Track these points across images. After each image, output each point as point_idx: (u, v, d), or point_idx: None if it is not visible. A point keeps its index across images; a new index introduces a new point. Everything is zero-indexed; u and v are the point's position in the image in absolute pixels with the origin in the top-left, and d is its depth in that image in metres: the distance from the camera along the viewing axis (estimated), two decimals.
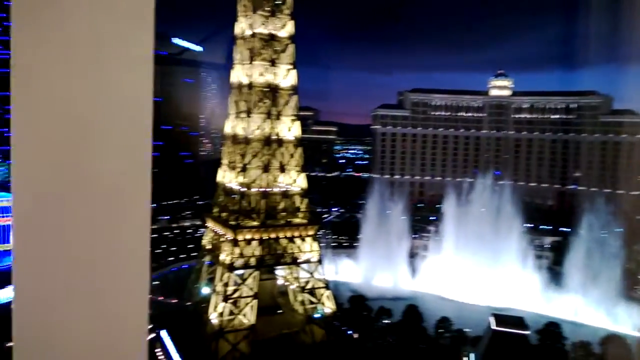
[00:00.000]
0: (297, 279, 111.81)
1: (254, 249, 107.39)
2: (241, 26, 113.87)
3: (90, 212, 4.32)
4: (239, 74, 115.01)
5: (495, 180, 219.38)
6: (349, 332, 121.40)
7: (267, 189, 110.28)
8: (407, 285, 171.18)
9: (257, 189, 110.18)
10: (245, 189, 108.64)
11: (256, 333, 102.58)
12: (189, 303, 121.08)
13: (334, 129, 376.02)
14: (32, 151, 4.07)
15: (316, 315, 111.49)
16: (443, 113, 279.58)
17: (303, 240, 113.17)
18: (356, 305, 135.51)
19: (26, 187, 4.12)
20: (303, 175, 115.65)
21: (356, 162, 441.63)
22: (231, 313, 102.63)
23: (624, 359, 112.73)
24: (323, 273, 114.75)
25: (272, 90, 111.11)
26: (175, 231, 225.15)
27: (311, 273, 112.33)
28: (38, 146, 4.07)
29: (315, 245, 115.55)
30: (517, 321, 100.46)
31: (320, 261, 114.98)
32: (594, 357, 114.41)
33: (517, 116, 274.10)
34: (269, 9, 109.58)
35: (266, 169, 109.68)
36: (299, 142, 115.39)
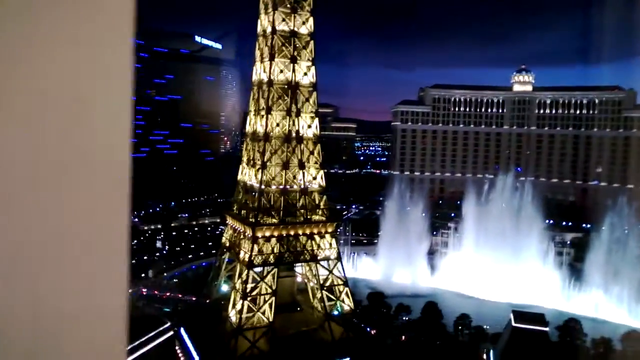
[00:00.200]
0: (315, 276, 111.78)
1: (273, 246, 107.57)
2: (263, 23, 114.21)
3: (65, 212, 4.25)
4: (259, 71, 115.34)
5: (517, 176, 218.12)
6: (367, 329, 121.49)
7: (287, 186, 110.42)
8: (427, 282, 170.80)
9: (276, 186, 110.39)
10: (264, 186, 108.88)
11: (275, 330, 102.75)
12: (207, 300, 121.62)
13: (353, 125, 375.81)
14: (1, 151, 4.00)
15: (335, 313, 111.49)
16: (464, 109, 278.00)
17: (322, 237, 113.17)
18: (375, 303, 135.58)
19: None
20: (322, 173, 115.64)
21: (376, 159, 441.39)
22: (250, 310, 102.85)
23: None
24: (342, 270, 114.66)
25: (292, 88, 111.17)
26: (195, 229, 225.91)
27: (330, 270, 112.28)
28: (7, 147, 4.00)
29: (334, 243, 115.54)
30: (537, 318, 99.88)
31: (339, 258, 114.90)
32: (614, 354, 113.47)
33: (539, 112, 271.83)
34: (290, 5, 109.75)
35: (286, 166, 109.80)
36: (318, 139, 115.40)
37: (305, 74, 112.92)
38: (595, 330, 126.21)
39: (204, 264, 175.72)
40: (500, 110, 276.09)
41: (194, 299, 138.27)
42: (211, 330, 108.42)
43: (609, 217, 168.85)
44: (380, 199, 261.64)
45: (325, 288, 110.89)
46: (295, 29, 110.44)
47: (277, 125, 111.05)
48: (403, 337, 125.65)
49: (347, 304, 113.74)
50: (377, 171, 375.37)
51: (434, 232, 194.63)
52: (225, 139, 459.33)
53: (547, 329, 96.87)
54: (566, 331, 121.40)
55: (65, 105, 4.13)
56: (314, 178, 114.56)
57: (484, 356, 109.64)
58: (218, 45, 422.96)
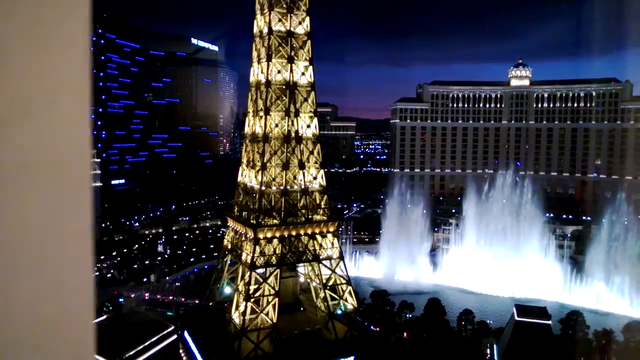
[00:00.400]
0: (318, 276, 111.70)
1: (275, 247, 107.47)
2: (259, 24, 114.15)
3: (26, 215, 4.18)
4: (257, 72, 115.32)
5: (516, 171, 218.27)
6: (371, 328, 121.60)
7: (287, 187, 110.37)
8: (429, 279, 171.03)
9: (276, 187, 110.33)
10: (265, 188, 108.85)
11: (278, 331, 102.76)
12: (210, 303, 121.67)
13: (352, 124, 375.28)
14: None
15: (338, 312, 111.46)
16: (462, 105, 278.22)
17: (324, 237, 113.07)
18: (378, 301, 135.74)
19: None
20: (322, 172, 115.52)
21: (376, 157, 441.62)
22: (253, 312, 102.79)
23: None
24: (344, 269, 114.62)
25: (290, 88, 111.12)
26: (196, 232, 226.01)
27: (332, 270, 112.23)
28: None
29: (336, 242, 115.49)
30: (540, 311, 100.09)
31: (341, 257, 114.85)
32: (616, 345, 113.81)
33: (537, 106, 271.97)
34: (286, 6, 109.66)
35: (285, 166, 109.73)
36: (317, 139, 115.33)
37: (303, 73, 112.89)
38: (598, 322, 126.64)
39: (206, 266, 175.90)
40: (498, 106, 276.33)
41: (196, 302, 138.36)
42: (215, 332, 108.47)
43: (608, 209, 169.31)
44: (381, 197, 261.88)
45: (328, 287, 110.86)
46: (292, 29, 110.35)
47: (276, 125, 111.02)
48: (405, 334, 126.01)
49: (351, 303, 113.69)
50: (377, 169, 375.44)
51: (435, 229, 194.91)
52: (224, 141, 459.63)
53: (549, 322, 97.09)
54: (568, 324, 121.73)
55: (20, 111, 4.06)
56: (314, 178, 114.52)
57: (488, 351, 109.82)
58: (215, 47, 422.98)
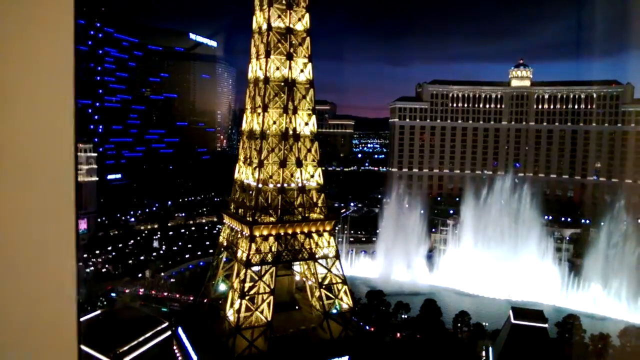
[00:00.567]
0: (314, 274, 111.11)
1: (271, 245, 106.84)
2: (258, 20, 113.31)
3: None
4: (255, 69, 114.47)
5: (515, 172, 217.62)
6: (366, 328, 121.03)
7: (284, 185, 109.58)
8: (426, 279, 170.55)
9: (273, 185, 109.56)
10: (261, 185, 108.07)
11: (273, 329, 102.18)
12: (205, 300, 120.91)
13: (351, 122, 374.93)
14: None
15: (334, 311, 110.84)
16: (462, 105, 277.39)
17: (320, 235, 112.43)
18: (374, 301, 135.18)
19: None
20: (320, 170, 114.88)
21: (374, 156, 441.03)
22: (248, 309, 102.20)
23: None
24: (340, 268, 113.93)
25: (289, 85, 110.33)
26: (192, 228, 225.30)
27: (328, 269, 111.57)
28: None
29: (333, 241, 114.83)
30: (536, 314, 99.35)
31: (337, 256, 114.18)
32: (612, 349, 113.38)
33: (537, 107, 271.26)
34: (285, 2, 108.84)
35: (283, 164, 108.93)
36: (315, 137, 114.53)
37: (302, 70, 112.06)
38: (594, 326, 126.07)
39: (201, 263, 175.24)
40: (498, 106, 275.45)
41: (191, 298, 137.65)
42: (209, 329, 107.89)
43: (607, 212, 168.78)
44: (379, 196, 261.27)
45: (323, 286, 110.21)
46: (291, 25, 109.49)
47: (274, 122, 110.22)
48: (398, 335, 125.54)
49: (346, 303, 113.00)
50: (375, 168, 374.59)
51: (433, 229, 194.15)
52: (222, 137, 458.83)
53: (546, 325, 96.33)
54: (565, 327, 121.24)
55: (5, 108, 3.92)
56: (312, 176, 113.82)
57: (483, 353, 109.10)
58: (213, 43, 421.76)
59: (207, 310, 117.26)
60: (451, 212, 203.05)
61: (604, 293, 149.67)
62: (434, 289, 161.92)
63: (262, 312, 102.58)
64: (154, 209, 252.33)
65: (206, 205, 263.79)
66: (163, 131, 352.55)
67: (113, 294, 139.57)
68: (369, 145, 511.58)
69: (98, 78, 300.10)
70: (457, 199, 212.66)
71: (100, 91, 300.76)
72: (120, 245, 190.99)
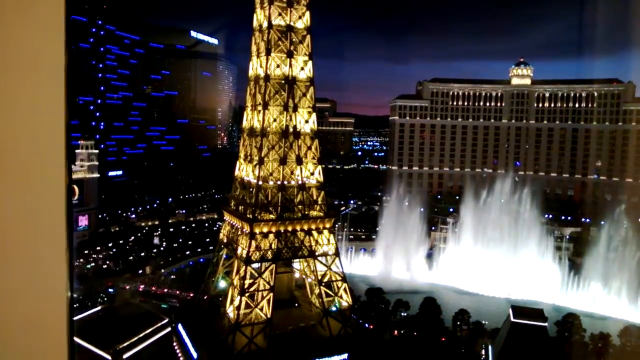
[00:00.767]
0: (314, 272, 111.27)
1: (271, 242, 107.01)
2: (258, 18, 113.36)
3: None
4: (256, 66, 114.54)
5: (515, 171, 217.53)
6: (366, 325, 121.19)
7: (284, 182, 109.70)
8: (425, 277, 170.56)
9: (273, 182, 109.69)
10: (262, 182, 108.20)
11: (272, 326, 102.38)
12: (205, 297, 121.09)
13: (351, 120, 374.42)
14: None
15: (333, 309, 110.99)
16: (462, 103, 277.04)
17: (320, 233, 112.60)
18: (373, 298, 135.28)
19: None
20: (320, 168, 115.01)
21: (374, 154, 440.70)
22: (248, 306, 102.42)
23: None
24: (340, 266, 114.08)
25: (289, 82, 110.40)
26: (192, 225, 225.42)
27: (328, 266, 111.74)
28: None
29: (332, 238, 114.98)
30: (536, 313, 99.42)
31: (337, 254, 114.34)
32: (612, 349, 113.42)
33: (537, 105, 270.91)
34: (285, 0, 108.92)
35: (283, 161, 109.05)
36: (315, 134, 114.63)
37: (302, 68, 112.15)
38: (594, 325, 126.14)
39: (201, 260, 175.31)
40: (498, 104, 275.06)
41: (191, 295, 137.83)
42: (209, 326, 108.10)
43: (608, 211, 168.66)
44: (379, 194, 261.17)
45: (323, 284, 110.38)
46: (292, 23, 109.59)
47: (274, 120, 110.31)
48: (396, 332, 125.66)
49: (345, 300, 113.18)
50: (375, 166, 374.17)
51: (433, 227, 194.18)
52: (222, 134, 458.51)
53: (546, 324, 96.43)
54: (565, 326, 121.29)
55: None
56: (312, 173, 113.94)
57: (483, 351, 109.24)
58: (214, 41, 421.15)
59: (207, 307, 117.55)
60: (451, 210, 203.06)
61: (604, 292, 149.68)
62: (433, 287, 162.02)
63: (261, 309, 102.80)
64: (155, 205, 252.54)
65: (206, 202, 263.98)
66: (164, 128, 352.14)
67: (110, 290, 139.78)
68: (369, 143, 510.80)
69: (100, 75, 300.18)
70: (457, 197, 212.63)
71: (102, 88, 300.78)
72: (121, 241, 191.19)
